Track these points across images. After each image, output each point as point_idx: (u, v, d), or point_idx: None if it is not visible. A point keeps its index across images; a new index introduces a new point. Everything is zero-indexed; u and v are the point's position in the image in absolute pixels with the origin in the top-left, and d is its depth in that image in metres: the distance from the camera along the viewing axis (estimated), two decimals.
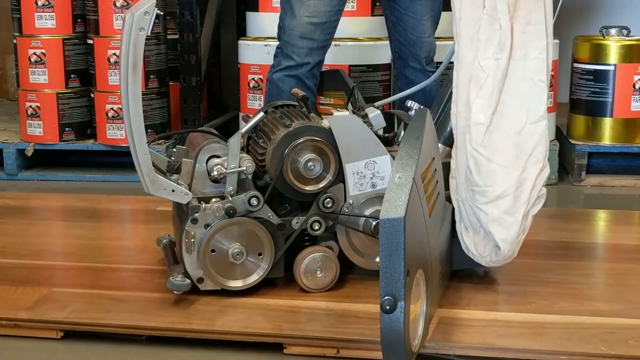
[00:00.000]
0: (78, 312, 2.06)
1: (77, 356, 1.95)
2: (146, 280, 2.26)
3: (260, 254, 2.11)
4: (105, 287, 2.22)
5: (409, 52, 3.09)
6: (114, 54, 3.56)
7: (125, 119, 2.00)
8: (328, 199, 2.13)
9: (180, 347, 1.95)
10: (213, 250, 2.09)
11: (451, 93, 2.10)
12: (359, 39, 3.66)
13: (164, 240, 2.34)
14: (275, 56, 2.98)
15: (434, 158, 1.95)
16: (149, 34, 1.98)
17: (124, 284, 2.27)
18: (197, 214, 2.07)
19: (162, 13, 3.63)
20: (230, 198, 2.09)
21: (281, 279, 2.18)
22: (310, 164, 2.11)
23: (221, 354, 1.94)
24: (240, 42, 3.81)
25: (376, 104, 2.33)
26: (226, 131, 2.63)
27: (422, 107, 2.28)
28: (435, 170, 1.97)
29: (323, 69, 3.04)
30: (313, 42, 2.88)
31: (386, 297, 1.59)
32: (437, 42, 3.13)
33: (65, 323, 2.01)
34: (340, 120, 2.11)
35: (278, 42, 2.98)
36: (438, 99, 2.36)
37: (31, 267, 2.40)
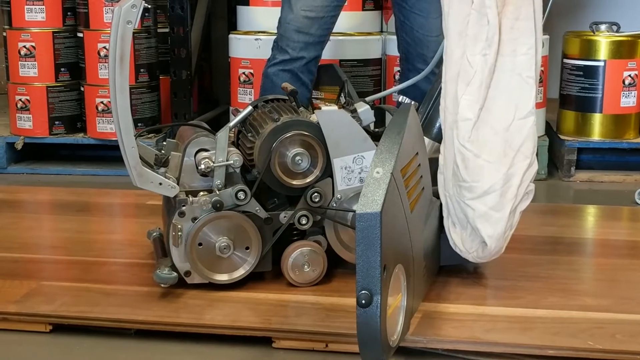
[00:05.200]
0: (67, 305, 2.06)
1: (66, 350, 1.94)
2: (135, 274, 2.26)
3: (247, 248, 2.11)
4: (94, 281, 2.22)
5: (415, 52, 3.03)
6: (104, 47, 3.55)
7: (113, 112, 2.01)
8: (316, 194, 2.13)
9: (169, 341, 1.95)
10: (200, 244, 2.08)
11: (441, 89, 2.10)
12: (349, 34, 3.66)
13: (154, 234, 2.34)
14: (272, 50, 2.97)
15: (417, 153, 1.95)
16: (136, 26, 1.99)
17: (112, 278, 2.27)
18: (184, 207, 2.07)
19: (149, 6, 3.63)
20: (217, 192, 2.09)
21: (269, 273, 2.18)
22: (297, 158, 2.11)
23: (210, 347, 1.93)
24: (230, 36, 3.81)
25: (367, 99, 2.33)
26: (217, 125, 2.62)
27: (413, 102, 2.27)
28: (420, 165, 1.96)
29: None
30: (309, 36, 2.87)
31: (362, 292, 1.60)
32: None
33: (53, 316, 2.01)
34: (328, 114, 2.11)
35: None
36: (428, 94, 2.36)
37: (20, 261, 2.39)
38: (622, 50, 3.55)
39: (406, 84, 2.71)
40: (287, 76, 2.87)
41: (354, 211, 2.11)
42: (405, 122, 1.84)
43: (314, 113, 2.17)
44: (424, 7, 2.97)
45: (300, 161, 2.11)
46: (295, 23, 2.86)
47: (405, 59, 3.10)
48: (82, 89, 3.71)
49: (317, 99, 3.22)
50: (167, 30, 3.78)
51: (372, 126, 2.25)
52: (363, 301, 1.59)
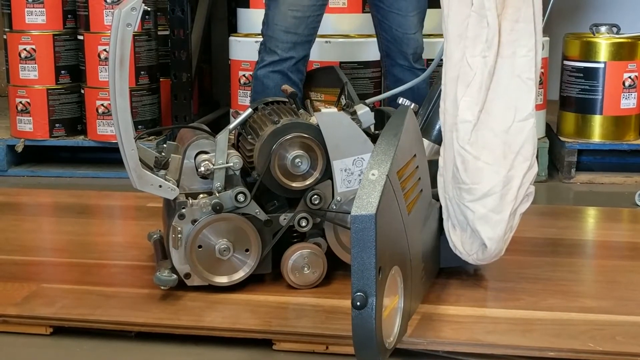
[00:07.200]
0: (67, 308, 2.06)
1: (67, 352, 1.95)
2: (135, 277, 2.26)
3: (247, 250, 2.11)
4: (95, 283, 2.22)
5: (396, 50, 3.06)
6: (105, 50, 3.55)
7: (113, 114, 2.01)
8: (315, 196, 2.13)
9: (169, 343, 1.96)
10: (200, 246, 2.09)
11: (440, 91, 2.10)
12: (349, 36, 3.66)
13: (155, 236, 2.35)
14: (259, 52, 2.98)
15: (415, 155, 1.94)
16: (136, 29, 1.99)
17: (113, 280, 2.27)
18: (184, 210, 2.07)
19: (149, 9, 3.63)
20: (217, 194, 2.09)
21: (269, 275, 2.18)
22: (297, 160, 2.11)
23: (210, 350, 1.94)
24: (231, 38, 3.81)
25: (367, 101, 2.33)
26: (217, 128, 2.62)
27: (413, 104, 2.27)
28: (418, 167, 1.96)
29: (316, 66, 3.03)
30: (297, 36, 2.87)
31: (357, 293, 1.59)
32: (426, 40, 3.12)
33: (54, 319, 2.01)
34: (327, 116, 2.11)
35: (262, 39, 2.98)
36: (428, 96, 2.36)
37: (20, 263, 2.40)
38: (622, 51, 3.55)
39: (406, 86, 2.72)
40: (278, 77, 2.88)
41: None
42: (402, 124, 1.83)
43: (313, 114, 2.17)
44: (401, 5, 2.99)
45: (300, 163, 2.11)
46: (283, 23, 2.87)
47: (386, 55, 3.13)
48: (82, 91, 3.71)
49: (316, 101, 3.23)
50: (167, 32, 3.78)
51: (372, 128, 2.25)
52: (358, 303, 1.59)
